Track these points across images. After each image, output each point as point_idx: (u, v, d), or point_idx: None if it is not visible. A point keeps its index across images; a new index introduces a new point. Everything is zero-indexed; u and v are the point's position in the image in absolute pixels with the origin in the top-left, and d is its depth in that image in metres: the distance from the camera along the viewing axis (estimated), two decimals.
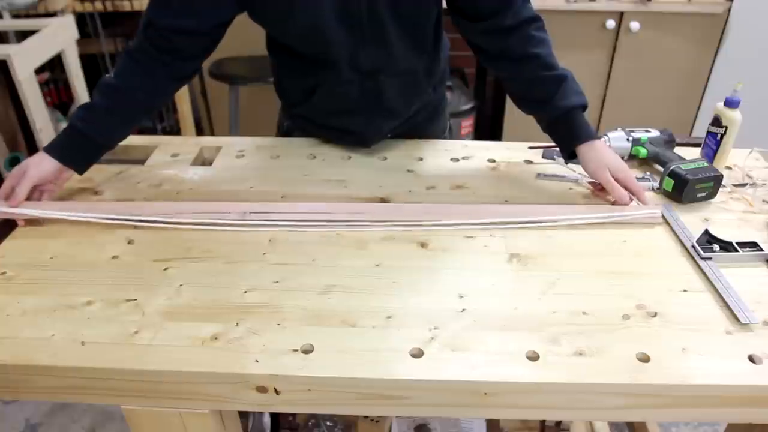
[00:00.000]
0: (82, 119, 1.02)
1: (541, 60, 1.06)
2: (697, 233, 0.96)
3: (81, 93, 2.53)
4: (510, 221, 0.99)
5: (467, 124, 2.65)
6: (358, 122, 1.17)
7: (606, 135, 1.20)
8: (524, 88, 1.09)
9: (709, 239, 0.95)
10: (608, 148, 1.06)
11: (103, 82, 1.04)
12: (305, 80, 1.14)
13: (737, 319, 0.80)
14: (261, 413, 1.36)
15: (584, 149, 1.04)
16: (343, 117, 1.17)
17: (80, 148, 1.03)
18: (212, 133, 3.00)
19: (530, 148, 1.23)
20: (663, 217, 1.02)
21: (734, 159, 1.19)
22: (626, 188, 1.02)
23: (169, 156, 1.22)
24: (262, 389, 0.74)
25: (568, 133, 1.05)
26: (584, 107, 1.05)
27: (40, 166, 1.00)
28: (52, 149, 1.01)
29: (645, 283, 0.88)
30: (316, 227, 0.98)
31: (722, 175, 1.05)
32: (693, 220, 1.02)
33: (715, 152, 1.15)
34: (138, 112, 1.08)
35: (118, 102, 1.04)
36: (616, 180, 1.01)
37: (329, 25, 1.00)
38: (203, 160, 1.25)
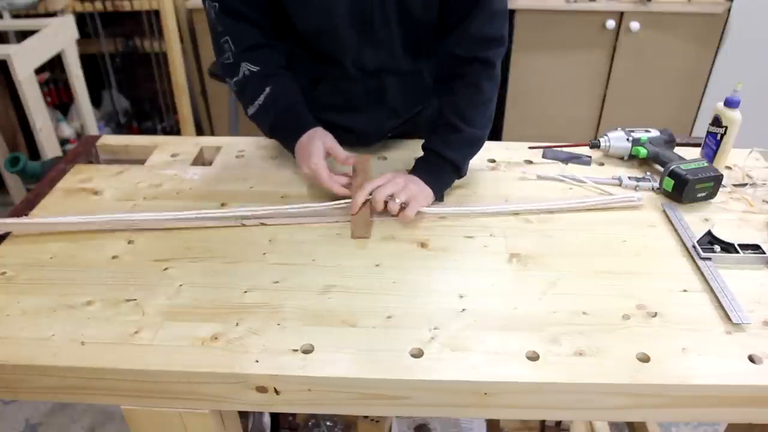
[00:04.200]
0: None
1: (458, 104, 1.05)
2: (697, 233, 0.96)
3: (81, 93, 2.53)
4: (499, 211, 1.03)
5: None
6: (359, 120, 1.18)
7: (606, 135, 1.20)
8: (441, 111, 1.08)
9: (711, 240, 0.94)
10: (422, 191, 1.00)
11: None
12: (309, 71, 1.13)
13: (729, 319, 0.80)
14: (261, 413, 1.36)
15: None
16: (345, 114, 1.17)
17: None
18: (212, 133, 3.00)
19: (530, 148, 1.23)
20: (666, 216, 1.03)
21: (734, 159, 1.19)
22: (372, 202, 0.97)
23: (169, 156, 1.22)
24: (262, 389, 0.74)
25: (415, 164, 1.06)
26: (452, 164, 1.04)
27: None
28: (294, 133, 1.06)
29: (645, 283, 0.88)
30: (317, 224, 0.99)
31: (722, 175, 1.05)
32: (693, 220, 1.02)
33: (715, 152, 1.15)
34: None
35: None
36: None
37: (340, 23, 1.02)
38: (203, 160, 1.25)
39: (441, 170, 1.05)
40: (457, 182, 1.10)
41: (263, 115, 1.08)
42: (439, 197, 1.05)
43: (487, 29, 1.01)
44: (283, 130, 1.09)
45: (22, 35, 2.30)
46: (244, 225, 0.99)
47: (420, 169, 1.05)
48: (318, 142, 1.03)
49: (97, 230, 0.97)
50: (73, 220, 0.97)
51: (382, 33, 1.05)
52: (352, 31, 1.04)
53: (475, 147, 1.08)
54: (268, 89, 1.06)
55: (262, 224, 0.99)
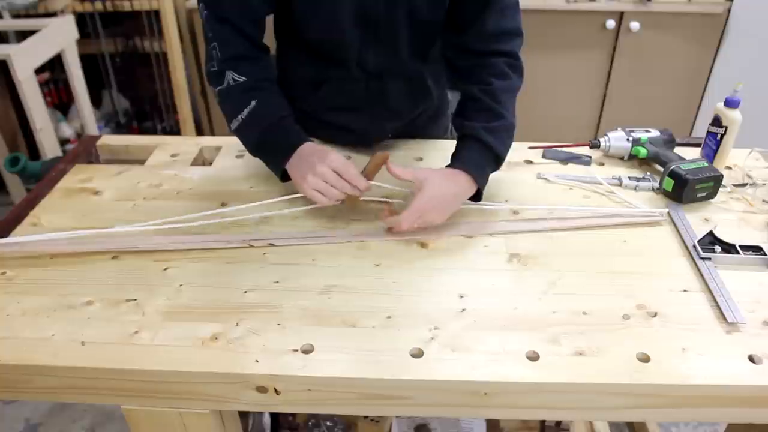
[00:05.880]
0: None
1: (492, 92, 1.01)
2: (698, 233, 0.96)
3: (81, 93, 2.53)
4: (517, 230, 0.99)
5: None
6: (361, 121, 1.18)
7: (606, 135, 1.20)
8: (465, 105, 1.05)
9: (712, 240, 0.94)
10: (455, 193, 0.95)
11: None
12: (312, 72, 1.13)
13: (725, 318, 0.80)
14: (261, 413, 1.36)
15: (447, 171, 0.97)
16: (347, 114, 1.17)
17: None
18: (212, 133, 3.00)
19: (530, 148, 1.23)
20: (669, 216, 1.03)
21: (734, 159, 1.19)
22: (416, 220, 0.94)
23: (169, 156, 1.22)
24: (262, 389, 0.74)
25: (459, 153, 1.00)
26: (496, 156, 1.00)
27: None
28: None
29: (645, 283, 0.88)
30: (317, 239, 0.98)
31: (722, 175, 1.05)
32: (693, 220, 1.01)
33: (715, 152, 1.15)
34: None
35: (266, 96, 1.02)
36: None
37: (345, 25, 1.02)
38: (203, 160, 1.25)
39: (486, 163, 0.99)
40: None
41: (247, 131, 1.01)
42: (479, 196, 1.00)
43: (502, 23, 1.01)
44: (272, 146, 1.01)
45: (22, 35, 2.30)
46: (252, 246, 0.94)
47: (468, 164, 0.97)
48: (328, 148, 0.97)
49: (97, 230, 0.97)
50: (65, 236, 0.93)
51: (387, 34, 1.05)
52: (356, 32, 1.03)
53: (512, 137, 1.03)
54: (253, 103, 0.99)
55: (270, 245, 0.95)
